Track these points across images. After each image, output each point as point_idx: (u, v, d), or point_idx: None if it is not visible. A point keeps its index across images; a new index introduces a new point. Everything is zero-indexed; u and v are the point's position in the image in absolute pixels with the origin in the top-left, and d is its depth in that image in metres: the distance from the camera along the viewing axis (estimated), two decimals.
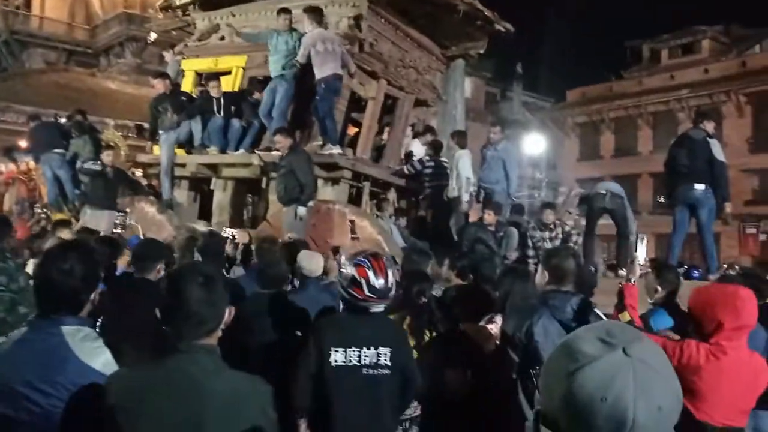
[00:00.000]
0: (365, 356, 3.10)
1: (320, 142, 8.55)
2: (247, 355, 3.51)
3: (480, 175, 9.26)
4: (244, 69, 9.58)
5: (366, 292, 3.12)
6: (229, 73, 9.67)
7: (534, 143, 28.92)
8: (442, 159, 9.35)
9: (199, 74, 10.10)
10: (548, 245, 8.31)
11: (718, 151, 7.85)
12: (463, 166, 9.07)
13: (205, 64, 9.98)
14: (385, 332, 3.21)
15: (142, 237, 5.17)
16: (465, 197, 9.11)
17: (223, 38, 9.95)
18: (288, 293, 4.80)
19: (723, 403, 2.78)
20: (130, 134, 16.71)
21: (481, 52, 11.16)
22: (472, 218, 9.09)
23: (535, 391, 3.37)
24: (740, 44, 30.10)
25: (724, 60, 28.95)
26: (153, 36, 9.88)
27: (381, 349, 3.13)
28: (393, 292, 3.27)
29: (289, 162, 7.55)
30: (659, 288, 4.55)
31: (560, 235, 8.26)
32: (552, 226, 8.32)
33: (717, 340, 2.77)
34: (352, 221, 7.95)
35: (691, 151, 7.85)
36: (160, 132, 9.30)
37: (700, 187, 7.63)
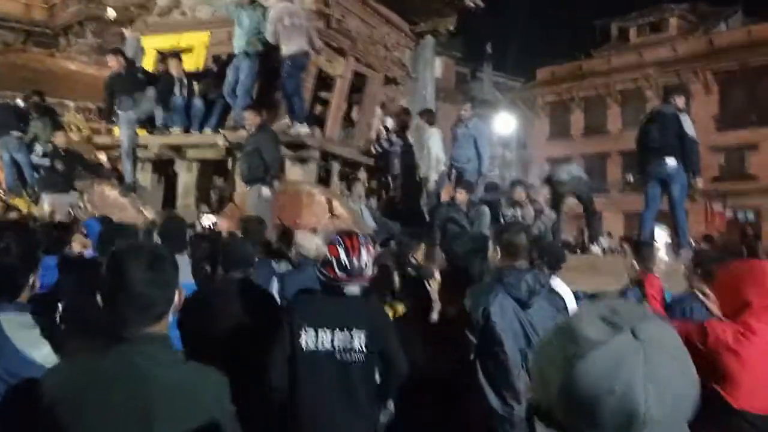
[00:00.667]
0: (338, 339, 2.91)
1: (287, 121, 8.31)
2: (210, 343, 3.31)
3: (451, 154, 9.11)
4: (207, 46, 9.26)
5: (337, 271, 2.95)
6: (190, 50, 9.34)
7: (504, 123, 28.88)
8: (409, 137, 9.20)
9: (160, 52, 9.75)
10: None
11: (688, 126, 7.81)
12: (433, 144, 8.91)
13: (165, 41, 9.64)
14: (360, 314, 2.98)
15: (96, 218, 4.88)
16: (434, 176, 8.97)
17: (184, 14, 9.61)
18: (288, 273, 4.78)
19: (761, 388, 2.50)
20: (92, 116, 16.22)
21: (451, 28, 10.96)
22: (444, 198, 8.95)
23: (496, 373, 3.27)
24: (706, 22, 30.31)
25: (692, 38, 29.13)
26: (111, 13, 9.48)
27: (355, 332, 2.92)
28: (369, 271, 3.08)
29: (256, 140, 7.31)
30: (636, 265, 4.47)
31: (531, 212, 8.18)
32: (522, 204, 8.23)
33: (745, 319, 2.54)
34: (329, 201, 7.77)
35: (663, 126, 7.79)
36: (118, 112, 8.94)
37: (671, 162, 7.58)
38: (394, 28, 10.36)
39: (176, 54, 9.10)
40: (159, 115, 8.94)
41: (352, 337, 2.92)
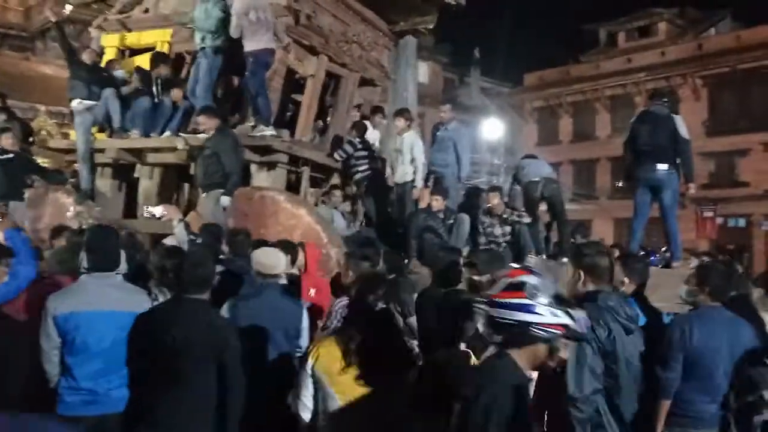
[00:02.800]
0: None
1: (252, 123, 7.76)
2: (156, 365, 3.04)
3: (430, 157, 8.58)
4: (170, 44, 8.71)
5: None
6: (153, 48, 8.78)
7: (492, 128, 28.46)
8: (370, 141, 8.69)
9: (121, 50, 9.20)
10: (498, 231, 7.75)
11: (682, 127, 7.30)
12: (413, 147, 8.38)
13: (127, 39, 9.07)
14: None
15: (16, 229, 4.28)
16: (420, 183, 8.43)
17: (147, 11, 9.05)
18: (239, 299, 4.05)
19: None
20: (65, 121, 15.67)
21: (431, 27, 10.44)
22: (421, 204, 8.43)
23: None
24: (695, 27, 30.05)
25: (681, 43, 28.83)
26: (68, 8, 8.92)
27: None
28: None
29: (213, 144, 6.76)
30: (626, 280, 3.99)
31: (509, 220, 7.70)
32: (500, 211, 7.75)
33: None
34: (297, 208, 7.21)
35: (654, 128, 7.29)
36: (74, 105, 8.35)
37: (662, 167, 7.07)
38: (370, 26, 9.83)
39: (165, 57, 8.54)
40: (116, 117, 8.36)
41: None
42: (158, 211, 6.76)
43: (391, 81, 11.54)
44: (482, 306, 2.96)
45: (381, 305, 2.92)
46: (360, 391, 2.73)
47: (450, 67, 36.89)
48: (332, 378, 2.75)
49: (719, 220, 25.31)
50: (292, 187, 8.36)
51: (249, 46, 7.42)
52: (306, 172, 8.34)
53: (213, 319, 3.31)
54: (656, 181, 7.08)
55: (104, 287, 3.41)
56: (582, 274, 3.15)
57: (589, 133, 30.74)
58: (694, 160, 7.44)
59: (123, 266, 3.61)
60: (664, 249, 8.30)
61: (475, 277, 4.09)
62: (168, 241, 5.64)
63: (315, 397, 2.81)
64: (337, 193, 8.36)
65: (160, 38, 8.74)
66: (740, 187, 25.86)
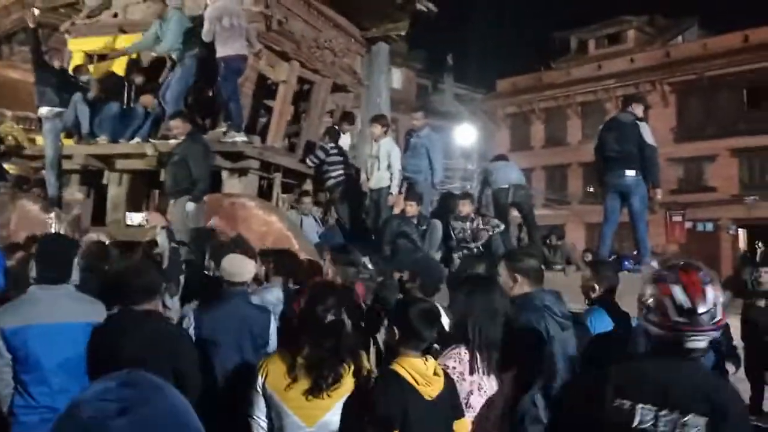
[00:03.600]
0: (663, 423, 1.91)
1: (223, 129, 7.69)
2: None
3: (403, 163, 8.58)
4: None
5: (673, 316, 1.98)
6: (123, 54, 8.66)
7: (465, 134, 28.63)
8: (342, 147, 8.69)
9: (89, 56, 9.06)
10: (468, 236, 7.78)
11: (647, 134, 7.46)
12: (393, 155, 8.37)
13: (95, 43, 8.94)
14: (702, 387, 1.96)
15: None
16: (395, 189, 8.42)
17: (116, 15, 8.94)
18: (203, 308, 3.98)
19: None
20: (32, 126, 15.39)
21: (403, 34, 10.47)
22: (395, 210, 8.42)
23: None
24: (664, 35, 30.58)
25: (649, 50, 29.30)
26: (36, 12, 8.75)
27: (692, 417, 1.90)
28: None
29: (183, 150, 6.67)
30: (596, 286, 4.02)
31: (480, 226, 7.72)
32: (472, 217, 7.77)
33: None
34: (267, 214, 7.16)
35: (621, 135, 7.46)
36: (41, 116, 8.23)
37: (630, 173, 7.22)
38: (342, 32, 9.81)
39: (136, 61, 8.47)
40: (85, 122, 8.23)
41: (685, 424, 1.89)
42: (140, 218, 6.66)
43: (365, 87, 11.53)
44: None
45: (331, 317, 2.78)
46: (311, 405, 2.67)
47: (423, 74, 37.06)
48: (282, 394, 2.68)
49: (688, 225, 25.73)
50: (264, 194, 8.31)
51: (221, 52, 7.38)
52: (278, 178, 8.30)
53: (162, 328, 3.24)
54: (624, 187, 7.22)
55: (56, 298, 3.21)
56: (518, 276, 3.29)
57: (561, 138, 31.07)
58: (660, 167, 7.58)
59: (75, 277, 3.39)
60: (635, 253, 8.40)
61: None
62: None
63: (269, 416, 2.72)
64: (306, 199, 8.29)
65: (125, 43, 8.62)
66: (708, 192, 26.32)
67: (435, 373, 2.76)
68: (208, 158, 6.89)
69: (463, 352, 3.00)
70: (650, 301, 2.02)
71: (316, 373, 2.67)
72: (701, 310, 1.93)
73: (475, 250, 7.84)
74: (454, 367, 2.95)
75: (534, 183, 27.31)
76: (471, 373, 2.96)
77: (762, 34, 25.33)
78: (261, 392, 2.73)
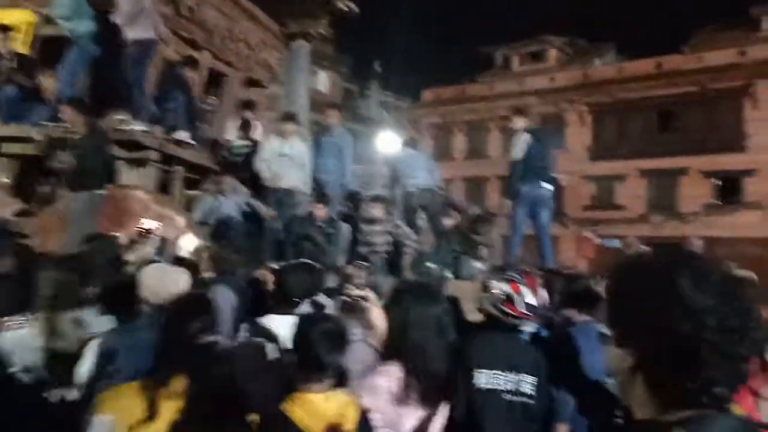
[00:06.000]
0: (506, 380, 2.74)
1: (122, 117, 7.21)
2: None
3: (314, 164, 8.31)
4: (33, 26, 7.99)
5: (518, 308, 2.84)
6: (13, 29, 8.01)
7: (388, 142, 28.59)
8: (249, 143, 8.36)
9: None
10: (378, 239, 7.60)
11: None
12: (306, 155, 8.09)
13: None
14: (529, 357, 2.83)
15: None
16: (307, 189, 8.15)
17: None
18: (116, 330, 2.95)
19: None
20: None
21: (323, 31, 10.24)
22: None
23: None
24: (583, 56, 31.58)
25: (569, 70, 30.18)
26: None
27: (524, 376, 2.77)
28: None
29: (79, 140, 6.19)
30: None
31: (389, 229, 7.56)
32: (381, 220, 7.60)
33: None
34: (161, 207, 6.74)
35: (544, 148, 7.56)
36: None
37: (546, 185, 7.29)
38: (259, 26, 9.49)
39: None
40: None
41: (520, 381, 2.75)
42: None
43: (284, 85, 11.22)
44: None
45: (204, 338, 2.23)
46: None
47: (351, 79, 36.89)
48: None
49: (597, 241, 26.50)
50: (164, 188, 7.86)
51: (132, 33, 6.92)
52: (179, 172, 7.86)
53: None
54: (539, 199, 7.24)
55: None
56: None
57: (482, 151, 31.54)
58: None
59: None
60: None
61: None
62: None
63: None
64: (227, 178, 7.78)
65: (21, 19, 7.99)
66: (617, 210, 27.26)
67: (342, 414, 2.20)
68: (105, 148, 6.43)
69: (397, 371, 2.50)
70: (502, 295, 2.82)
71: (185, 410, 2.11)
72: (535, 304, 2.86)
73: (383, 253, 7.67)
74: (382, 386, 2.47)
75: (454, 194, 27.57)
76: (403, 398, 2.48)
77: (673, 62, 26.53)
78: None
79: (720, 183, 25.43)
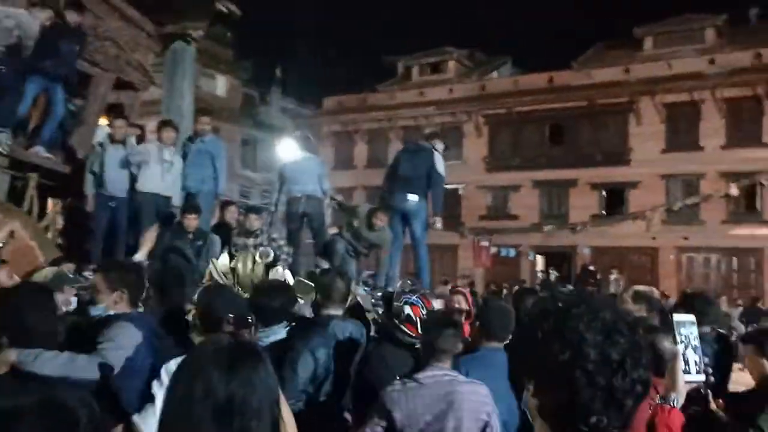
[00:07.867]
0: None
1: None
2: None
3: (183, 173, 7.88)
4: None
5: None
6: None
7: (287, 149, 28.13)
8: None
9: None
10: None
11: (440, 164, 7.55)
12: (175, 160, 7.68)
13: None
14: None
15: None
16: (177, 199, 7.75)
17: None
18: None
19: None
20: None
21: (202, 33, 9.81)
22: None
23: None
24: (481, 68, 32.31)
25: (467, 82, 30.78)
26: None
27: None
28: None
29: None
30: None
31: (265, 242, 7.27)
32: (258, 233, 7.30)
33: None
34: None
35: (416, 159, 7.51)
36: None
37: (413, 198, 7.26)
38: (131, 25, 8.95)
39: None
40: None
41: None
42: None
43: (165, 89, 10.68)
44: None
45: None
46: None
47: (251, 84, 36.15)
48: None
49: (493, 250, 27.12)
50: (17, 197, 7.23)
51: None
52: (33, 179, 7.24)
53: None
54: (407, 211, 7.18)
55: None
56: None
57: (383, 160, 31.56)
58: (443, 196, 7.61)
59: None
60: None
61: None
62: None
63: None
64: (119, 122, 7.64)
65: None
66: (512, 220, 27.99)
67: None
68: None
69: None
70: (404, 316, 3.41)
71: None
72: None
73: None
74: None
75: (356, 201, 27.46)
76: None
77: (564, 77, 27.58)
78: None
79: (606, 194, 26.61)
